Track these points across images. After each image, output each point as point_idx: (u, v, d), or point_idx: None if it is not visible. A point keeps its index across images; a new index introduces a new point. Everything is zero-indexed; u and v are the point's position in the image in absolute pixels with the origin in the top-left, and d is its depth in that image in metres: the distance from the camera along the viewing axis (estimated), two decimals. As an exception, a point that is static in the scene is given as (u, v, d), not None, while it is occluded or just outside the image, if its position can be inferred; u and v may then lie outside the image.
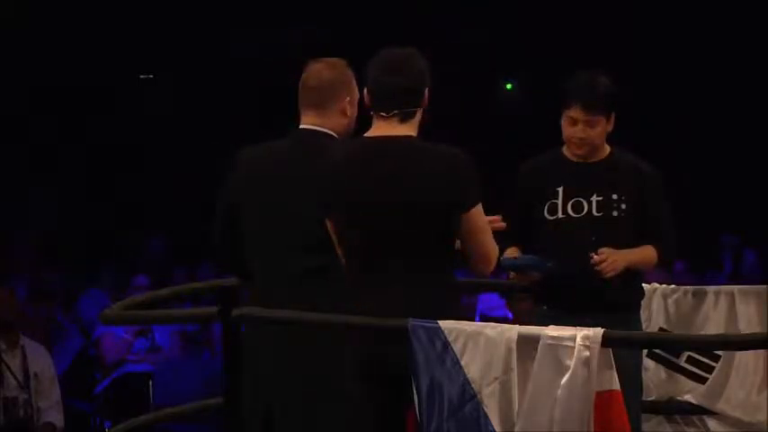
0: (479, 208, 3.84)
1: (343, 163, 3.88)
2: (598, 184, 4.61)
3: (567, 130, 4.63)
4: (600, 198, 4.60)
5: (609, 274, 4.49)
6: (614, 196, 4.60)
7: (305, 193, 3.99)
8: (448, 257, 3.84)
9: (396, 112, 3.85)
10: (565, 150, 4.70)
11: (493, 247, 3.89)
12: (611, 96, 4.62)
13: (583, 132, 4.60)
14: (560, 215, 4.61)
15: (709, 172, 11.81)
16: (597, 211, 4.60)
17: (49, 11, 11.31)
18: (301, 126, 4.21)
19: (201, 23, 11.86)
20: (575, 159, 4.67)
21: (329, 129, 4.18)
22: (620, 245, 4.54)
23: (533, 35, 11.66)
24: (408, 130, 3.87)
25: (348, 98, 4.19)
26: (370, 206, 3.79)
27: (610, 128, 4.66)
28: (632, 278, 4.63)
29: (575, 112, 4.59)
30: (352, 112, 4.21)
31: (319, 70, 4.22)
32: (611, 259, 4.48)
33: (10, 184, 11.43)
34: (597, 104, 4.58)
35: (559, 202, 4.62)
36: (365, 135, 3.90)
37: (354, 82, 4.24)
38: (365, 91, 3.91)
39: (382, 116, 3.86)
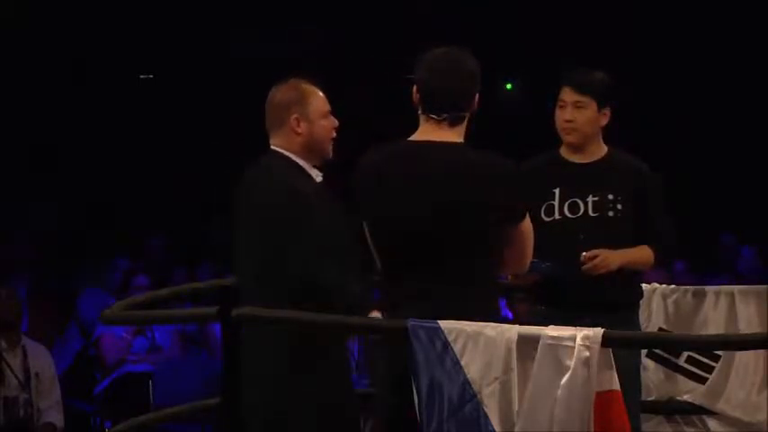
0: (527, 218, 3.85)
1: (388, 165, 3.85)
2: (594, 185, 4.61)
3: (558, 117, 4.65)
4: (596, 198, 4.60)
5: (600, 272, 4.48)
6: (610, 196, 4.59)
7: (257, 221, 4.22)
8: (487, 264, 3.83)
9: (446, 116, 3.83)
10: (562, 151, 4.70)
11: (530, 253, 3.91)
12: (602, 84, 4.63)
13: (570, 114, 4.59)
14: (557, 216, 4.61)
15: (709, 172, 11.80)
16: (593, 212, 4.59)
17: (49, 11, 11.31)
18: (270, 146, 4.39)
19: (201, 23, 11.85)
20: (571, 160, 4.67)
21: (283, 147, 4.32)
22: (616, 245, 4.54)
23: (533, 35, 11.65)
24: (456, 135, 3.84)
25: (296, 116, 4.30)
26: (410, 211, 3.77)
27: (604, 121, 4.65)
28: (629, 278, 4.63)
29: (564, 94, 4.61)
30: (304, 128, 4.31)
31: (272, 93, 4.39)
32: (603, 256, 4.48)
33: (10, 184, 11.42)
34: (586, 84, 4.59)
35: (556, 203, 4.62)
36: (410, 139, 3.88)
37: (310, 99, 4.34)
38: (413, 90, 3.88)
39: (432, 119, 3.84)
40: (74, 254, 11.02)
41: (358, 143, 4.14)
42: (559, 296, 4.54)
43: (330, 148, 4.38)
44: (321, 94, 4.38)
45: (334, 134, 4.39)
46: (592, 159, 4.67)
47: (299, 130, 4.30)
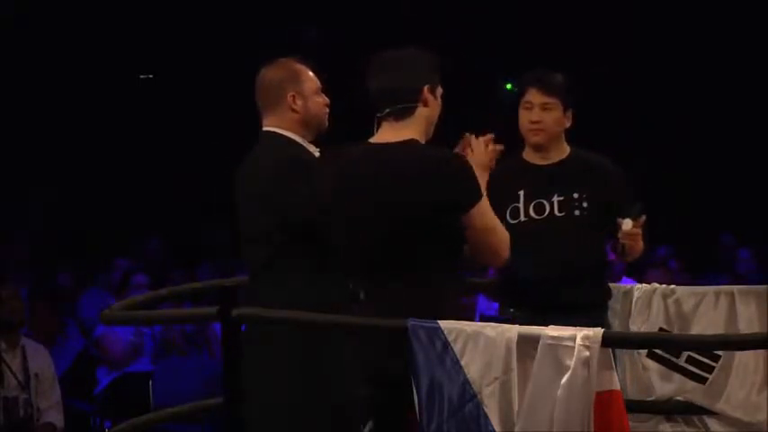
0: (480, 208, 3.82)
1: (336, 169, 3.91)
2: (558, 185, 4.62)
3: (524, 118, 4.66)
4: (561, 198, 4.61)
5: (628, 252, 4.48)
6: (575, 195, 4.60)
7: (255, 190, 4.20)
8: (442, 260, 3.83)
9: (388, 110, 3.86)
10: (524, 154, 4.72)
11: (499, 245, 3.86)
12: (566, 86, 4.65)
13: (538, 116, 4.61)
14: (522, 218, 4.60)
15: (709, 172, 11.81)
16: (559, 212, 4.60)
17: (49, 11, 11.31)
18: (263, 129, 4.37)
19: (202, 23, 11.86)
20: (534, 162, 4.67)
21: (282, 126, 4.31)
22: (583, 244, 4.55)
23: (533, 35, 11.66)
24: (407, 131, 3.86)
25: (292, 93, 4.31)
26: (356, 211, 3.81)
27: (568, 123, 4.68)
28: (598, 278, 4.66)
29: (531, 95, 4.63)
30: (301, 105, 4.32)
31: (263, 73, 4.38)
32: (637, 238, 4.48)
33: (10, 184, 11.43)
34: (552, 86, 4.62)
35: (521, 205, 4.62)
36: (368, 140, 3.92)
37: (303, 76, 4.35)
38: None
39: (379, 117, 3.88)
40: (74, 254, 11.04)
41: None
42: (527, 298, 4.53)
43: (326, 120, 4.40)
44: (311, 72, 4.40)
45: (327, 110, 4.41)
46: (554, 160, 4.69)
47: (296, 108, 4.31)
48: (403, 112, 3.86)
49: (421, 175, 3.76)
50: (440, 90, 3.94)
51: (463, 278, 4.04)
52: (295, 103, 4.31)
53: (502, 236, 3.87)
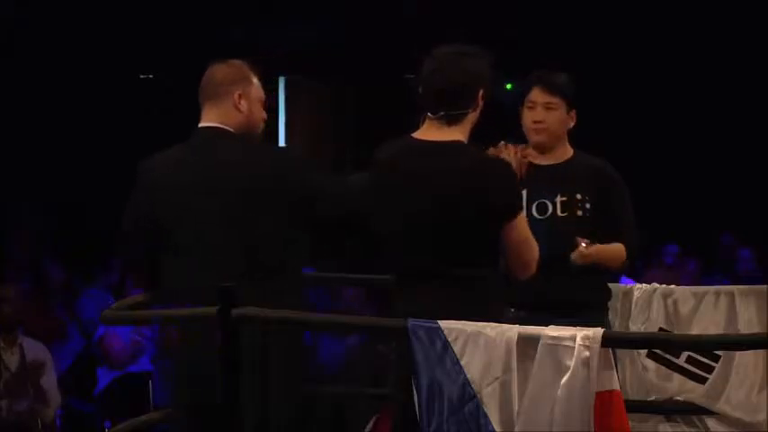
0: (521, 218, 3.84)
1: (383, 164, 3.89)
2: (562, 185, 4.64)
3: (527, 117, 4.68)
4: (564, 198, 4.62)
5: (576, 261, 4.48)
6: (578, 196, 4.62)
7: (232, 194, 4.05)
8: (487, 259, 3.83)
9: (442, 113, 3.84)
10: (528, 155, 4.73)
11: (531, 257, 3.88)
12: (571, 86, 4.66)
13: (541, 115, 4.63)
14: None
15: (709, 172, 11.80)
16: (562, 212, 4.61)
17: (49, 11, 11.31)
18: (201, 125, 4.26)
19: (202, 24, 11.85)
20: (537, 162, 4.67)
21: (225, 123, 4.20)
22: None
23: (533, 35, 11.66)
24: (456, 133, 3.85)
25: (239, 93, 4.21)
26: (401, 208, 3.80)
27: (571, 123, 4.70)
28: (598, 279, 4.67)
29: (534, 95, 4.66)
30: (246, 107, 4.22)
31: (213, 69, 4.32)
32: (588, 260, 4.49)
33: (9, 185, 11.42)
34: (556, 85, 4.64)
35: (524, 204, 4.63)
36: (412, 135, 3.90)
37: (252, 80, 4.27)
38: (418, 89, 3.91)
39: (430, 117, 3.86)
40: (74, 254, 11.03)
41: (359, 141, 4.15)
42: (527, 298, 4.53)
43: (260, 134, 4.30)
44: (258, 81, 4.32)
45: (263, 126, 4.32)
46: (558, 161, 4.70)
47: (241, 108, 4.21)
48: (457, 117, 3.85)
49: (475, 176, 3.76)
50: (489, 90, 3.93)
51: (503, 279, 4.03)
52: (240, 102, 4.22)
53: (534, 250, 3.89)
